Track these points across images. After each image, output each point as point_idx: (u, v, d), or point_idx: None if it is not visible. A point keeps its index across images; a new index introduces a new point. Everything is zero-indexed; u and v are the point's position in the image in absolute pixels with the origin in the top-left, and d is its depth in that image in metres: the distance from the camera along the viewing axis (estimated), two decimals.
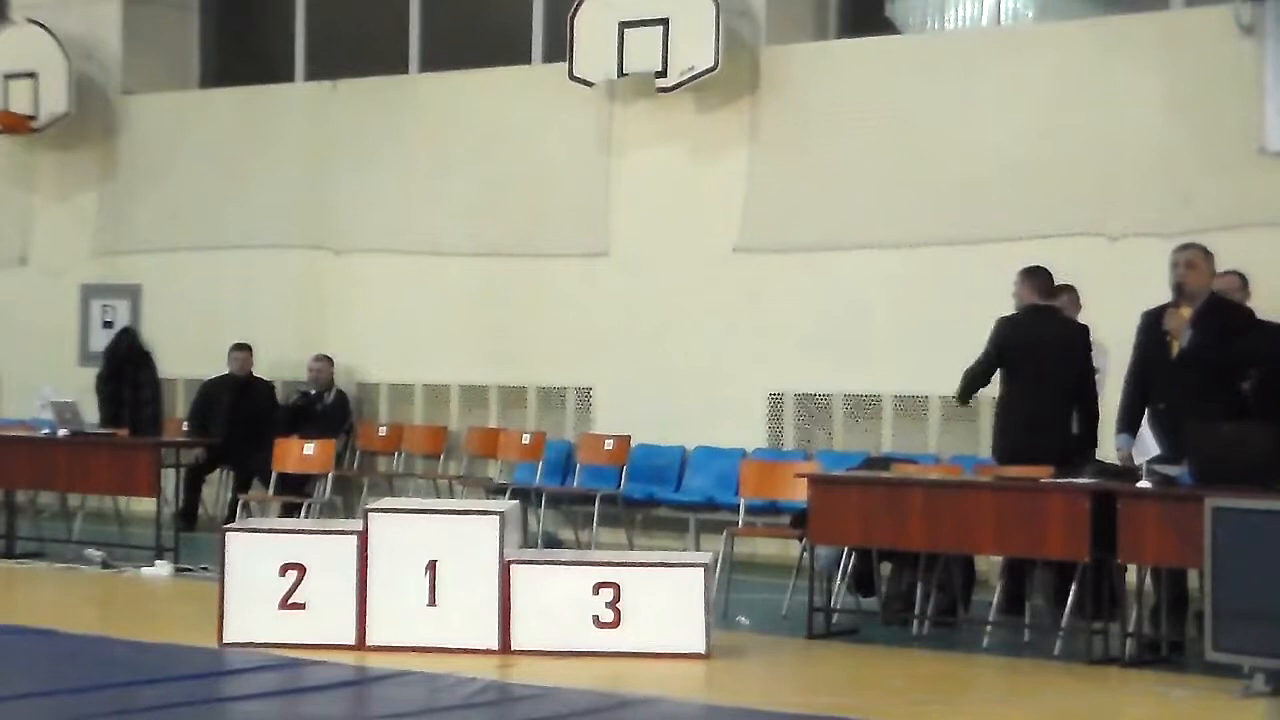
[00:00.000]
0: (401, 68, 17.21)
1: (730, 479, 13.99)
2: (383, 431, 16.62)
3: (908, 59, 14.58)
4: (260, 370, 16.70)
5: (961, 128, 14.07)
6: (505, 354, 16.02)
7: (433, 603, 9.71)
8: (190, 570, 12.89)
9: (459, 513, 10.22)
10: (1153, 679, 9.31)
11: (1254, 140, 12.88)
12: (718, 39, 14.52)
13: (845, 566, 11.04)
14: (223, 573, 9.91)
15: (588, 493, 14.65)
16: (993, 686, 9.48)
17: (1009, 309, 11.34)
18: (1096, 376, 11.23)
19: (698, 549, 14.05)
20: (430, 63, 17.09)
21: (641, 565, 9.99)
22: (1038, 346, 11.04)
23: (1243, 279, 10.96)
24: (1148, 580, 9.98)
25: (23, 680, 8.70)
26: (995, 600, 10.67)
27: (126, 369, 16.28)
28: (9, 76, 17.98)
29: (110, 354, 16.55)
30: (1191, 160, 13.11)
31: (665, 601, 9.64)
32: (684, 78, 14.73)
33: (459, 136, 16.34)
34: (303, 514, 14.28)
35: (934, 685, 9.34)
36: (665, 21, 14.72)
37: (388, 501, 11.03)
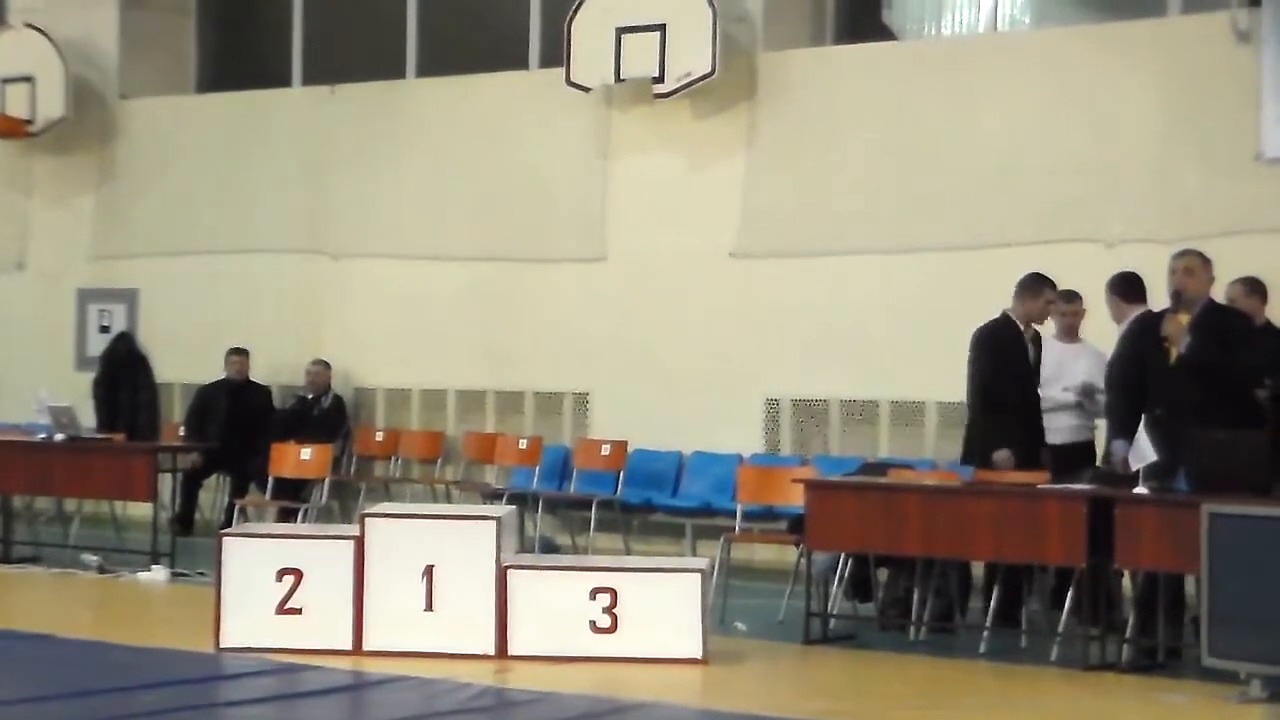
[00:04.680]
0: (399, 73, 17.22)
1: (727, 484, 13.98)
2: (380, 436, 16.61)
3: (905, 65, 14.59)
4: (257, 375, 16.70)
5: (958, 134, 14.07)
6: (502, 359, 16.02)
7: (429, 608, 9.70)
8: (187, 575, 12.89)
9: (456, 518, 10.24)
10: (1149, 685, 9.30)
11: (1251, 146, 12.89)
12: (715, 45, 14.52)
13: (842, 572, 11.03)
14: (219, 577, 9.90)
15: (585, 498, 14.64)
16: (989, 692, 9.47)
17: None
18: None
19: (694, 554, 14.07)
20: (427, 68, 17.09)
21: (638, 570, 10.00)
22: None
23: (1249, 287, 10.91)
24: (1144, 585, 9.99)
25: (19, 685, 8.68)
26: (991, 609, 10.61)
27: (123, 373, 16.31)
28: (6, 81, 17.99)
29: (107, 358, 16.57)
30: (1188, 166, 13.12)
31: (662, 607, 9.64)
32: (681, 83, 14.73)
33: (456, 141, 16.34)
34: (299, 519, 14.26)
35: (931, 690, 9.35)
36: (663, 27, 14.72)
37: (384, 506, 11.01)
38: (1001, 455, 10.73)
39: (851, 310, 14.40)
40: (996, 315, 11.09)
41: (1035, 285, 11.09)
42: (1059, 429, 11.40)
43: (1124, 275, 11.18)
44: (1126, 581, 10.29)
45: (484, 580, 9.68)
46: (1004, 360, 10.98)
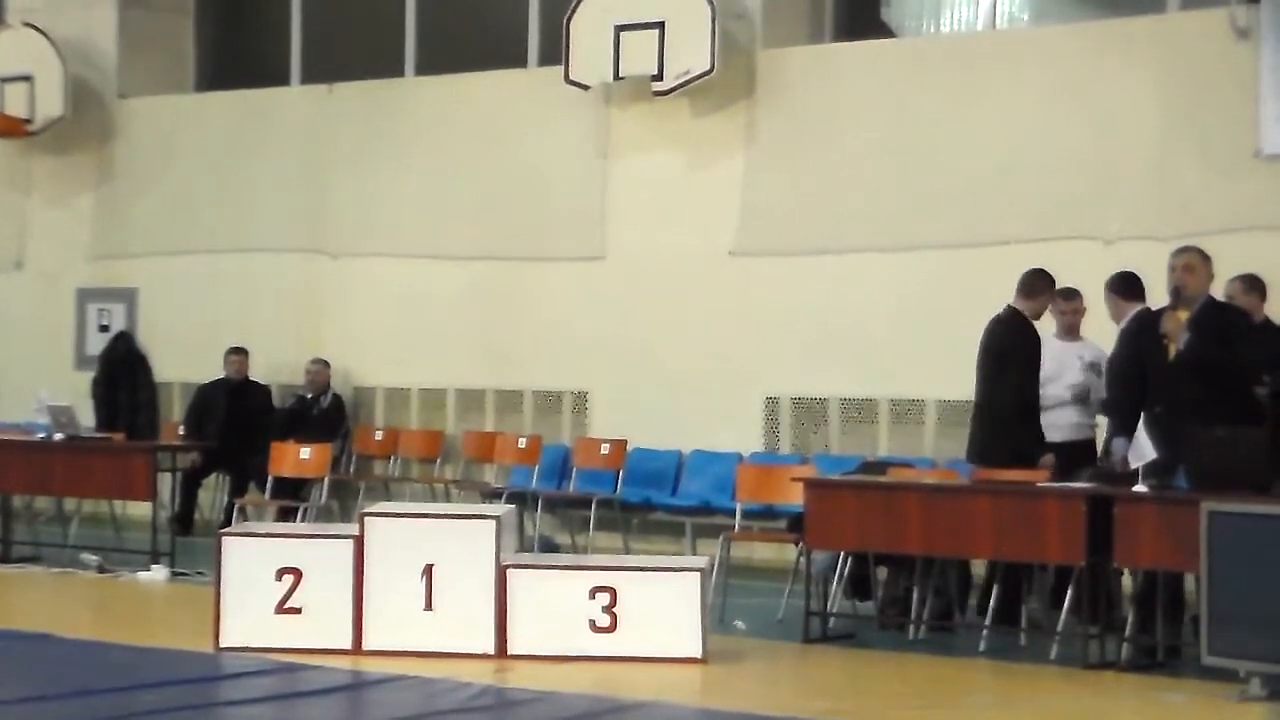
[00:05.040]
0: (397, 71, 17.21)
1: (727, 483, 13.97)
2: (379, 435, 16.61)
3: (904, 62, 14.58)
4: (256, 374, 16.69)
5: (957, 131, 14.06)
6: (502, 358, 16.02)
7: (429, 607, 9.70)
8: (186, 575, 12.89)
9: (455, 517, 10.24)
10: (1149, 683, 9.30)
11: (1250, 143, 12.88)
12: (714, 42, 14.51)
13: (841, 571, 11.03)
14: (219, 577, 9.90)
15: (584, 497, 14.63)
16: (989, 691, 9.47)
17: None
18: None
19: (694, 553, 14.06)
20: (426, 66, 17.08)
21: (638, 570, 9.99)
22: None
23: (1248, 284, 10.88)
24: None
25: (18, 685, 8.68)
26: (991, 607, 10.60)
27: (122, 373, 16.31)
28: (4, 80, 17.97)
29: (106, 358, 16.57)
30: (1187, 163, 13.11)
31: (661, 606, 9.64)
32: (680, 81, 14.72)
33: (455, 140, 16.33)
34: (299, 518, 14.27)
35: (930, 689, 9.35)
36: (661, 25, 14.71)
37: (384, 506, 11.01)
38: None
39: (851, 309, 14.39)
40: (1000, 311, 11.05)
41: (1036, 283, 11.08)
42: (1059, 427, 11.37)
43: (1123, 274, 11.17)
44: (1126, 580, 10.29)
45: (483, 580, 9.68)
46: (1021, 359, 10.94)
